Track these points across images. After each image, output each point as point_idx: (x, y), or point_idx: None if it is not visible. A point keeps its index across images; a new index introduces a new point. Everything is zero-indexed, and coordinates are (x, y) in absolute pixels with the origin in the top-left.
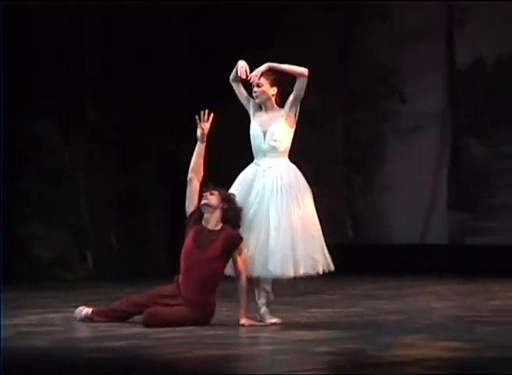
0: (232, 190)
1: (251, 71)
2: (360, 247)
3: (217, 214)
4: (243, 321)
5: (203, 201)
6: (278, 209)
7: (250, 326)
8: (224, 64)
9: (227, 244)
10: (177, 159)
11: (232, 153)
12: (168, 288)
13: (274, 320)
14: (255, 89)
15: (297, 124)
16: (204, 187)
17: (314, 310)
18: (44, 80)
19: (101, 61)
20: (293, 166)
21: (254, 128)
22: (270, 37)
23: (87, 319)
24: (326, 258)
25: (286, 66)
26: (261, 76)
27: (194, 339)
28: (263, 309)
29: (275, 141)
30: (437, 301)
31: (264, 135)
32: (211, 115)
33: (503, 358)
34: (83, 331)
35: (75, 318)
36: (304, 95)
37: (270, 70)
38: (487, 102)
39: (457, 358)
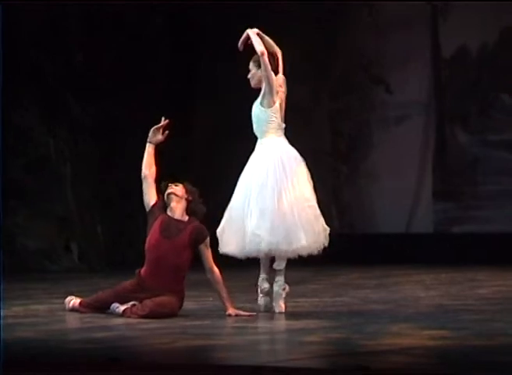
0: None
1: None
2: (345, 236)
3: (183, 204)
4: (230, 311)
5: (169, 190)
6: (290, 183)
7: (237, 316)
8: (208, 57)
9: (194, 237)
10: (161, 149)
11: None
12: (129, 283)
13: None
14: (248, 75)
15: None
16: (160, 183)
17: (300, 300)
18: (27, 72)
19: (85, 52)
20: (283, 143)
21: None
22: (254, 25)
23: (74, 309)
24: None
25: (265, 39)
26: (247, 42)
27: (180, 329)
28: (279, 292)
29: (253, 122)
30: (423, 290)
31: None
32: (167, 121)
33: (487, 347)
34: (69, 322)
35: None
36: (289, 84)
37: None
38: (472, 91)
39: (443, 346)
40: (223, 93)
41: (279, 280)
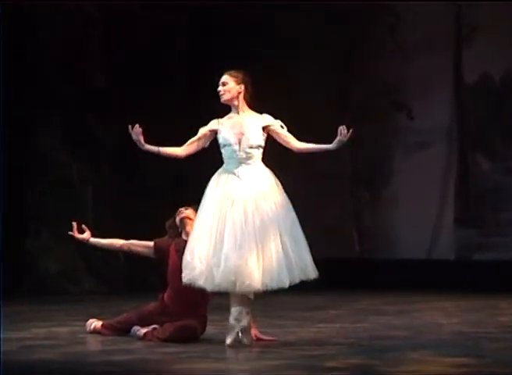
0: (206, 198)
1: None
2: (367, 262)
3: None
4: (252, 332)
5: (182, 215)
6: (264, 219)
7: (258, 340)
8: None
9: None
10: (183, 171)
11: None
12: (153, 306)
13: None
14: (219, 88)
15: (301, 137)
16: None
17: (321, 325)
18: (49, 94)
19: (106, 74)
20: (268, 171)
21: (225, 133)
22: (272, 50)
23: (95, 331)
24: (312, 263)
25: None
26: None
27: (201, 353)
28: (249, 323)
29: (251, 147)
30: (444, 317)
31: (240, 140)
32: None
33: None
34: (89, 345)
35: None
36: (311, 110)
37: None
38: (494, 118)
39: (465, 374)
40: None
41: (249, 311)
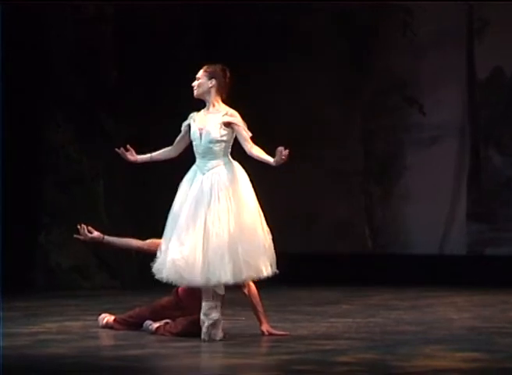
0: (178, 194)
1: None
2: (379, 257)
3: None
4: (264, 327)
5: None
6: (215, 215)
7: (270, 334)
8: (241, 77)
9: None
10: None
11: None
12: (166, 300)
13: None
14: (194, 83)
15: (310, 133)
16: None
17: (333, 320)
18: (60, 90)
19: (119, 69)
20: (233, 167)
21: (193, 128)
22: (283, 48)
23: (108, 326)
24: (270, 261)
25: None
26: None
27: (213, 348)
28: (220, 319)
29: (210, 142)
30: (456, 312)
31: (201, 135)
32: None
33: None
34: (102, 339)
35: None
36: (323, 105)
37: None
38: (507, 112)
39: (476, 369)
40: (260, 113)
41: (219, 306)
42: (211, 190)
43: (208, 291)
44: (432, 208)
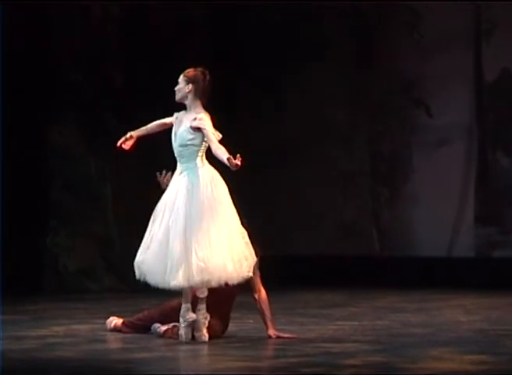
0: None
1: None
2: (386, 259)
3: None
4: (270, 332)
5: None
6: (175, 218)
7: (277, 337)
8: (248, 77)
9: None
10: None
11: None
12: (177, 303)
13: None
14: (176, 87)
15: (317, 135)
16: None
17: (340, 323)
18: (67, 91)
19: (125, 71)
20: (203, 170)
21: (173, 129)
22: (290, 49)
23: (116, 329)
24: (238, 266)
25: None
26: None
27: (221, 351)
28: (202, 320)
29: (180, 145)
30: (463, 314)
31: (175, 138)
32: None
33: None
34: (109, 342)
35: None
36: (330, 106)
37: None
38: None
39: (484, 371)
40: (267, 113)
41: (202, 308)
42: (177, 192)
43: (185, 293)
44: (439, 210)
